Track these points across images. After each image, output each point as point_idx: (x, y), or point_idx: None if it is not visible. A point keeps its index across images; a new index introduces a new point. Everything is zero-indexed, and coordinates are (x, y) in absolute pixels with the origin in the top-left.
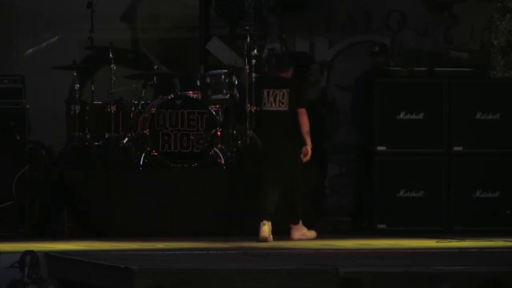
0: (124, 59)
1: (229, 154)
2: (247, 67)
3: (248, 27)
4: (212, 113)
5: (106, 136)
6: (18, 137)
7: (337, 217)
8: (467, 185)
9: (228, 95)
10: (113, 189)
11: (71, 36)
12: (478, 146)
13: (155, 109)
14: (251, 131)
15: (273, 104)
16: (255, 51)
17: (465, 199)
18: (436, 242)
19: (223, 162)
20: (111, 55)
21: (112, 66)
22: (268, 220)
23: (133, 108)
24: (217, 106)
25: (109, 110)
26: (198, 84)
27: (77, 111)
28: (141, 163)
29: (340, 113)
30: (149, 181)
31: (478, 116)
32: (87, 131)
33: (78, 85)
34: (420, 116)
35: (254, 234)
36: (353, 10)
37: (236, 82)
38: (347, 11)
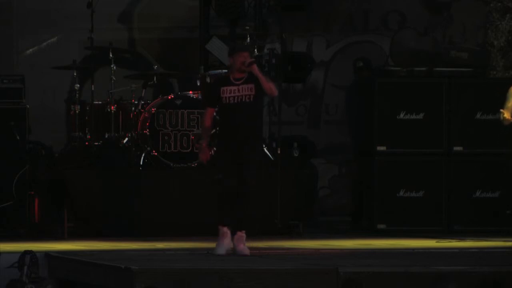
0: (124, 59)
1: None
2: None
3: (248, 27)
4: None
5: (106, 136)
6: (18, 137)
7: (337, 217)
8: (467, 185)
9: None
10: (113, 189)
11: (71, 36)
12: (478, 146)
13: (155, 109)
14: None
15: None
16: (255, 51)
17: (465, 199)
18: (436, 242)
19: None
20: (111, 55)
21: (112, 66)
22: None
23: (133, 108)
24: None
25: (109, 110)
26: (198, 84)
27: (77, 111)
28: (141, 163)
29: (339, 113)
30: (149, 181)
31: (478, 116)
32: (87, 131)
33: (78, 85)
34: (420, 116)
35: (255, 234)
36: (352, 10)
37: None
38: (346, 11)
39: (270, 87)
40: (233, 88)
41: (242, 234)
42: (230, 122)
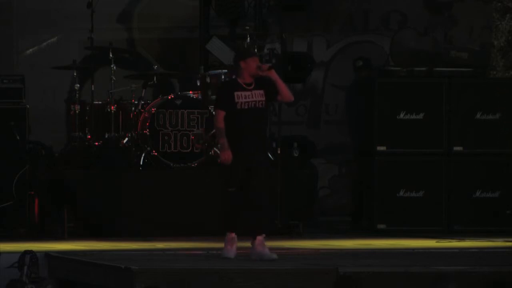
0: (124, 59)
1: None
2: None
3: (248, 27)
4: (212, 113)
5: (106, 136)
6: (18, 137)
7: (337, 217)
8: (467, 185)
9: None
10: (113, 189)
11: (71, 36)
12: (478, 146)
13: (155, 109)
14: None
15: None
16: (255, 51)
17: (465, 199)
18: (436, 242)
19: None
20: (111, 55)
21: (112, 66)
22: None
23: (133, 108)
24: None
25: (109, 110)
26: (198, 84)
27: (77, 111)
28: (141, 163)
29: (339, 113)
30: (149, 181)
31: (478, 116)
32: (87, 131)
33: (78, 85)
34: (420, 116)
35: None
36: (352, 10)
37: None
38: (346, 11)
39: (289, 92)
40: (247, 93)
41: (261, 238)
42: (237, 125)
